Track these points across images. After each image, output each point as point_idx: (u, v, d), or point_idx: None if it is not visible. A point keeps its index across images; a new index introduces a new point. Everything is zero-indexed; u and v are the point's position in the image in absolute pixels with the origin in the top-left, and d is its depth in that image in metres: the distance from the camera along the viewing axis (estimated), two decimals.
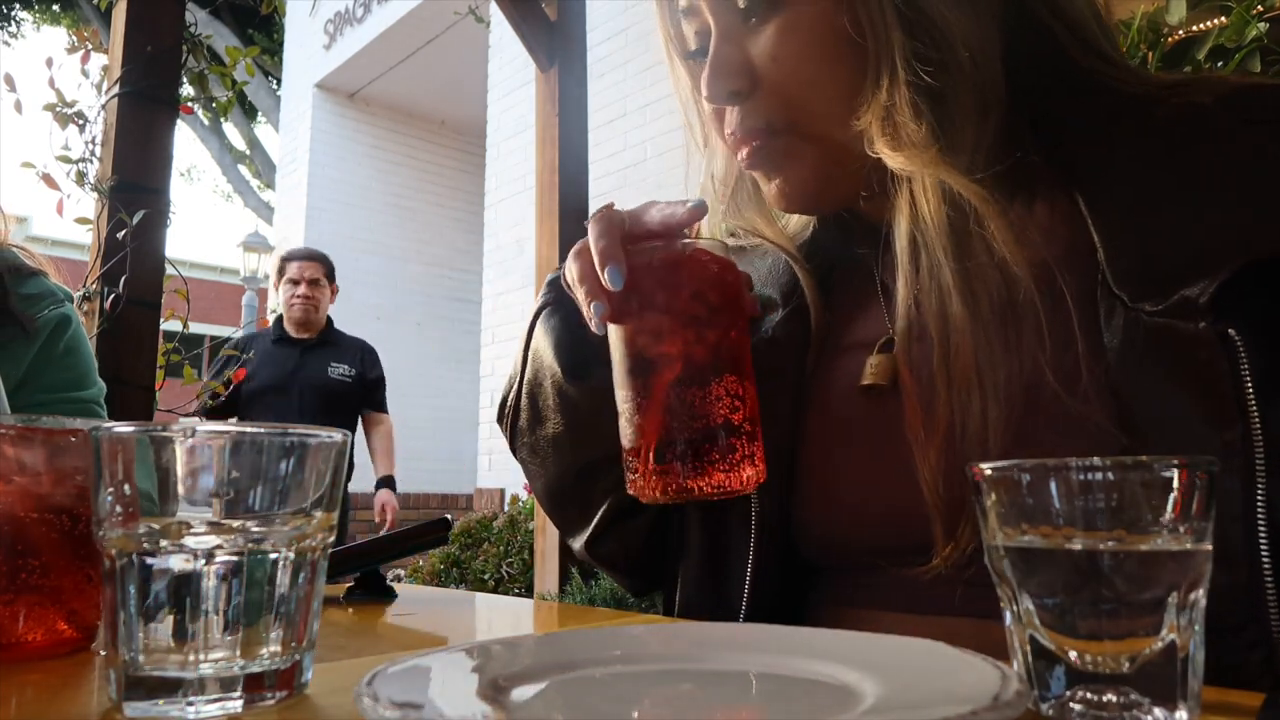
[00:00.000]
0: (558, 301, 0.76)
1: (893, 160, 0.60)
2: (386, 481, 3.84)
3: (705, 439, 0.57)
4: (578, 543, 0.79)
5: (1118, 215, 0.57)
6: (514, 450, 0.81)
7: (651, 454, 0.58)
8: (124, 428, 0.40)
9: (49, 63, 2.36)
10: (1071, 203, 0.60)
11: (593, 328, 0.61)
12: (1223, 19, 1.60)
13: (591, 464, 0.73)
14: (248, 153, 10.95)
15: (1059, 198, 0.62)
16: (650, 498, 0.60)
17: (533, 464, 0.78)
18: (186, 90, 2.65)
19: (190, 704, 0.38)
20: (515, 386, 0.79)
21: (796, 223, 0.80)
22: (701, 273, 0.60)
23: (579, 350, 0.73)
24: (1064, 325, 0.57)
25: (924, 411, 0.59)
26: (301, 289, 3.66)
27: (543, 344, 0.75)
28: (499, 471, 5.61)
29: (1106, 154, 0.61)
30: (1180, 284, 0.52)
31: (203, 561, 0.39)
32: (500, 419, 0.82)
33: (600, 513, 0.76)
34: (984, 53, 0.61)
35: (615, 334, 0.61)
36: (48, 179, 2.09)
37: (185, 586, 0.39)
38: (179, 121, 2.00)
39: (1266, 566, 0.49)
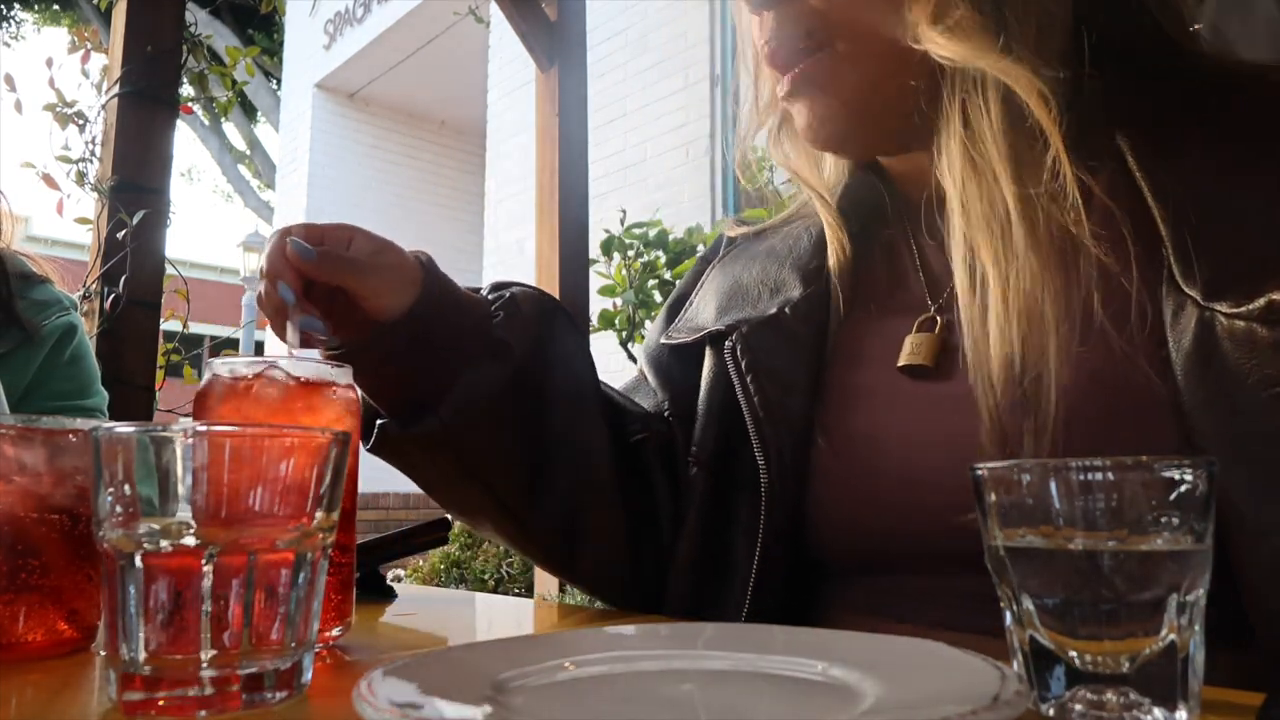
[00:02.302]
0: None
1: (945, 49, 0.56)
2: None
3: None
4: (558, 572, 0.78)
5: (1187, 207, 0.53)
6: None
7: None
8: (124, 428, 0.40)
9: (49, 63, 2.36)
10: (1129, 185, 0.57)
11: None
12: None
13: (491, 494, 0.70)
14: (248, 153, 10.94)
15: (1116, 177, 0.57)
16: None
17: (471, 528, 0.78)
18: (186, 90, 2.65)
19: (190, 704, 0.38)
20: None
21: (831, 176, 0.77)
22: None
23: (367, 419, 0.69)
24: (1131, 283, 0.53)
25: (985, 354, 0.55)
26: None
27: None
28: None
29: (1173, 138, 0.57)
30: (1268, 287, 0.49)
31: (203, 561, 0.39)
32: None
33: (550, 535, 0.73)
34: None
35: None
36: (48, 179, 2.10)
37: (185, 586, 0.39)
38: (179, 121, 2.00)
39: None
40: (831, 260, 0.71)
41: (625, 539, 0.74)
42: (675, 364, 0.79)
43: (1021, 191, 0.55)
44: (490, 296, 0.72)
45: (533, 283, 0.82)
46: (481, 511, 0.72)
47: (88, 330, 1.73)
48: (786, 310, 0.70)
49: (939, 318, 0.64)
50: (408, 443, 0.67)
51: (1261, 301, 0.49)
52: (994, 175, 0.56)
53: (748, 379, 0.67)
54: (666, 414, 0.77)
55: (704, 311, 0.77)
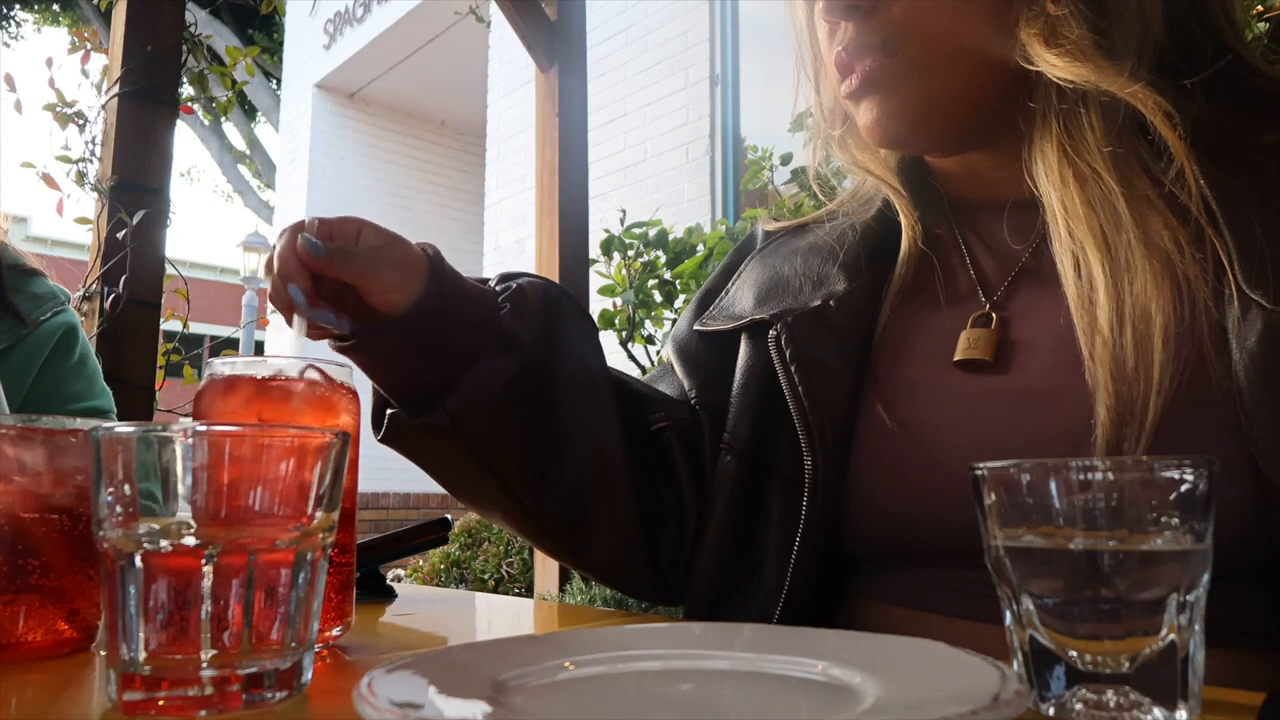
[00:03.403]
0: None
1: (1061, 70, 0.57)
2: None
3: None
4: (569, 561, 0.77)
5: (1250, 213, 0.55)
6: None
7: None
8: (124, 428, 0.40)
9: (49, 63, 2.36)
10: (1186, 186, 0.57)
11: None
12: None
13: (505, 483, 0.71)
14: (248, 153, 10.95)
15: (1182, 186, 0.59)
16: None
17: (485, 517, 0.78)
18: (186, 90, 2.65)
19: (190, 704, 0.38)
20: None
21: (867, 189, 0.78)
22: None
23: (378, 409, 0.71)
24: (1212, 299, 0.55)
25: (1102, 357, 0.56)
26: None
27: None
28: None
29: (1232, 144, 0.58)
30: None
31: (203, 561, 0.39)
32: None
33: (564, 521, 0.73)
34: None
35: None
36: (48, 179, 2.09)
37: (185, 586, 0.39)
38: (179, 121, 2.00)
39: None
40: (904, 247, 0.71)
41: (638, 529, 0.74)
42: (705, 352, 0.79)
43: (1133, 198, 0.56)
44: (497, 288, 0.73)
45: None
46: (492, 501, 0.73)
47: (87, 330, 1.73)
48: (831, 303, 0.70)
49: (994, 314, 0.65)
50: (418, 432, 0.67)
51: None
52: (1101, 183, 0.57)
53: (792, 368, 0.67)
54: (693, 401, 0.77)
55: (741, 301, 0.77)
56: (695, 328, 0.79)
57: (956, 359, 0.63)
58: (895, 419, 0.65)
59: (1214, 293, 0.55)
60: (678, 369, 0.80)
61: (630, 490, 0.73)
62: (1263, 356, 0.52)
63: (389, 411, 0.69)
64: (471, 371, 0.67)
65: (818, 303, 0.70)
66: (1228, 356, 0.53)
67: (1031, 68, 0.59)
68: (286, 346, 0.63)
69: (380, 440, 0.69)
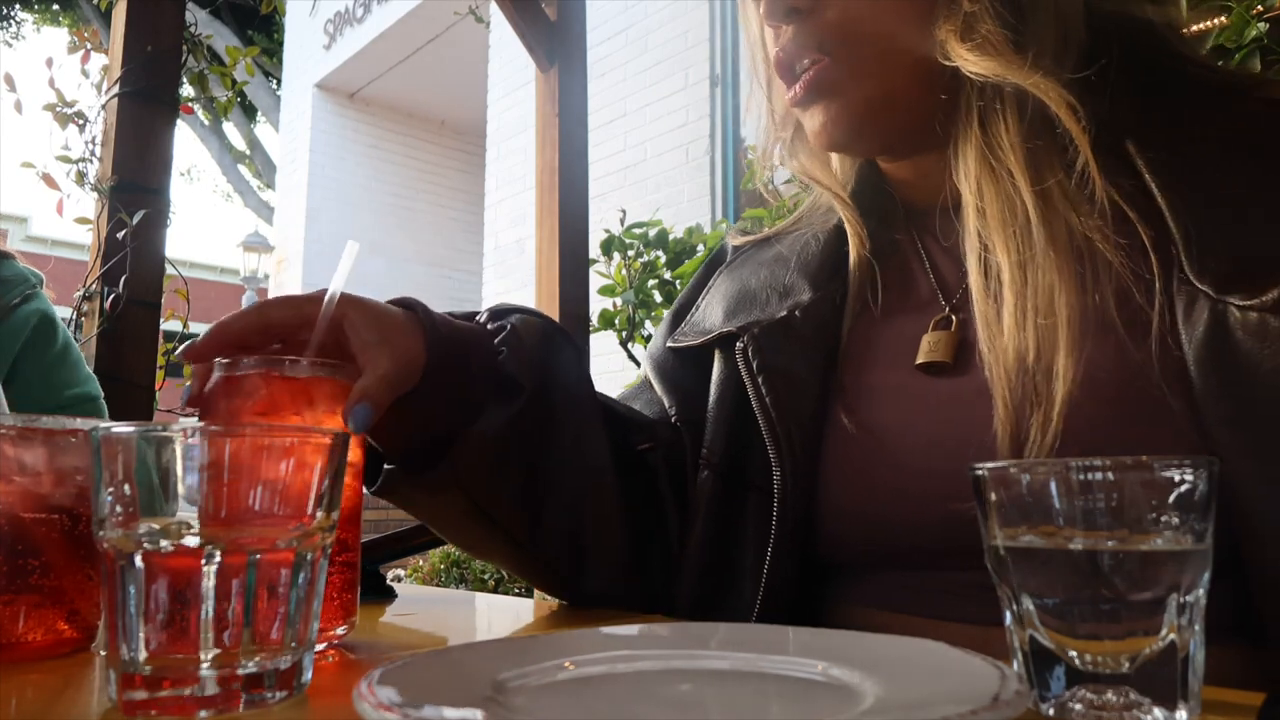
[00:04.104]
0: None
1: (975, 65, 0.58)
2: None
3: None
4: (565, 595, 0.77)
5: (1199, 206, 0.56)
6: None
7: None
8: (124, 428, 0.40)
9: (49, 63, 2.36)
10: (1140, 187, 0.58)
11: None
12: (1223, 19, 1.60)
13: (495, 528, 0.70)
14: (248, 153, 10.94)
15: (1126, 181, 0.60)
16: None
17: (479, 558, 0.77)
18: (186, 90, 2.65)
19: (190, 704, 0.38)
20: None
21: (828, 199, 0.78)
22: (252, 392, 0.55)
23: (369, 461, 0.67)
24: (1149, 289, 0.56)
25: (999, 349, 0.58)
26: None
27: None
28: None
29: (1180, 140, 0.60)
30: (1279, 279, 0.51)
31: (203, 561, 0.39)
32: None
33: (560, 559, 0.73)
34: None
35: None
36: (48, 179, 2.09)
37: (185, 586, 0.39)
38: (179, 121, 2.00)
39: None
40: (852, 257, 0.72)
41: (630, 553, 0.74)
42: (682, 369, 0.79)
43: (1041, 193, 0.57)
44: (490, 328, 0.72)
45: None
46: (488, 544, 0.72)
47: (87, 331, 1.73)
48: (796, 313, 0.71)
49: (954, 316, 0.65)
50: (416, 488, 0.66)
51: (1274, 293, 0.51)
52: (1012, 179, 0.58)
53: (759, 379, 0.68)
54: (674, 420, 0.77)
55: (711, 316, 0.78)
56: (669, 344, 0.79)
57: (918, 362, 0.64)
58: (860, 424, 0.66)
59: (1161, 281, 0.56)
60: (657, 387, 0.80)
61: (622, 516, 0.73)
62: (1208, 346, 0.53)
63: (386, 467, 0.67)
64: (476, 425, 0.65)
65: (783, 313, 0.71)
66: (1180, 349, 0.54)
67: (949, 64, 0.60)
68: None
69: (374, 493, 0.67)
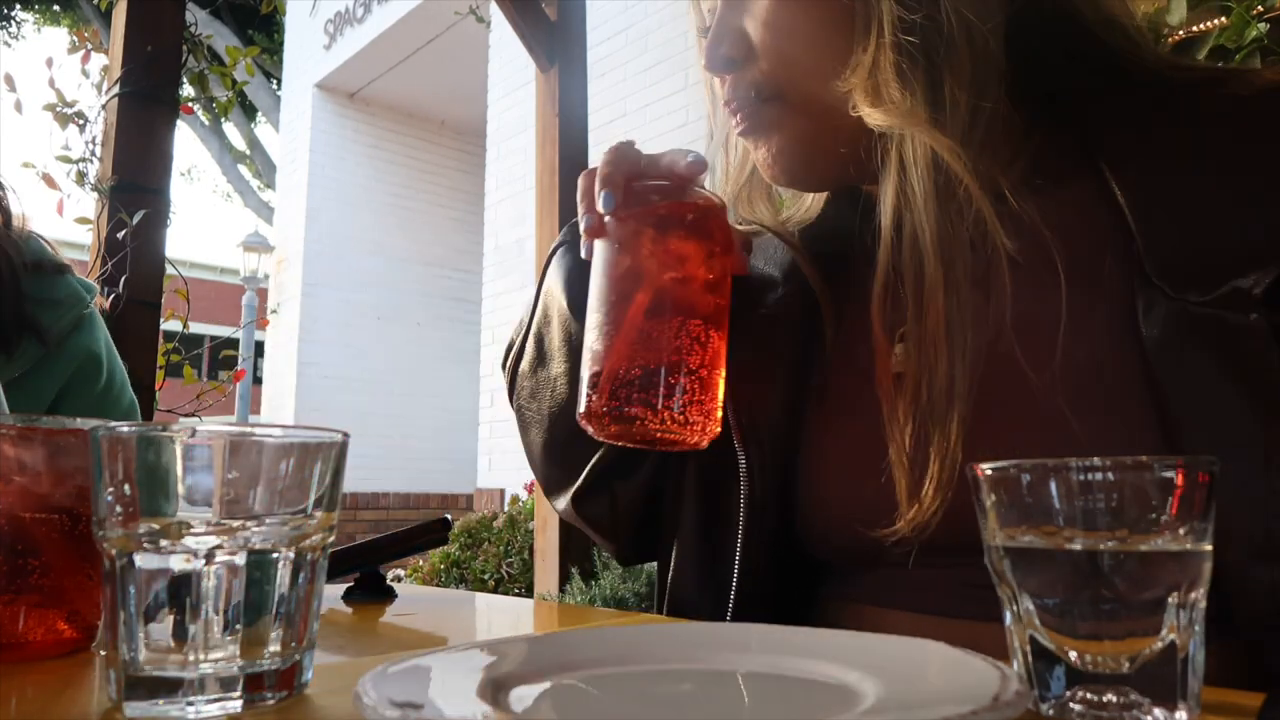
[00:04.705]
0: (574, 241, 0.77)
1: (871, 118, 0.60)
2: None
3: (660, 375, 0.58)
4: (563, 500, 0.80)
5: (1157, 204, 0.57)
6: (512, 397, 0.82)
7: (603, 382, 0.59)
8: (124, 428, 0.40)
9: (49, 63, 2.36)
10: (1105, 191, 0.60)
11: (581, 250, 0.65)
12: (1223, 19, 1.60)
13: None
14: (248, 153, 10.94)
15: (1090, 185, 0.61)
16: (596, 429, 0.60)
17: (530, 409, 0.79)
18: (186, 90, 2.65)
19: (190, 704, 0.38)
20: (524, 328, 0.81)
21: (811, 206, 0.80)
22: (690, 213, 0.62)
23: (587, 287, 0.74)
24: (1059, 309, 0.57)
25: (893, 370, 0.60)
26: None
27: (554, 281, 0.77)
28: (499, 471, 5.61)
29: (1143, 141, 0.61)
30: (1231, 275, 0.52)
31: (203, 561, 0.39)
32: (504, 363, 0.84)
33: (589, 467, 0.77)
34: (980, 20, 0.60)
35: (598, 257, 0.64)
36: (48, 179, 2.09)
37: (185, 586, 0.39)
38: (179, 121, 2.00)
39: None
40: (815, 288, 0.74)
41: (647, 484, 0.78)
42: None
43: (942, 231, 0.59)
44: None
45: (533, 282, 0.84)
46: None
47: None
48: (764, 310, 0.73)
49: (891, 313, 0.66)
50: None
51: (1226, 289, 0.52)
52: (918, 215, 0.60)
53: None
54: None
55: None
56: None
57: (896, 371, 0.65)
58: (831, 433, 0.68)
59: (1122, 285, 0.57)
60: None
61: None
62: (1166, 344, 0.54)
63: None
64: None
65: (763, 311, 0.73)
66: (1142, 349, 0.55)
67: (854, 114, 0.62)
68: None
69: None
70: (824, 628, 0.64)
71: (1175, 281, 0.54)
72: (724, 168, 0.79)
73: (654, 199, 0.63)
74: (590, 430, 0.61)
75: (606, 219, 0.64)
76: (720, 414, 0.62)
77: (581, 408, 0.61)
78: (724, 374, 0.63)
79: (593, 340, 0.61)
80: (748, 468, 0.68)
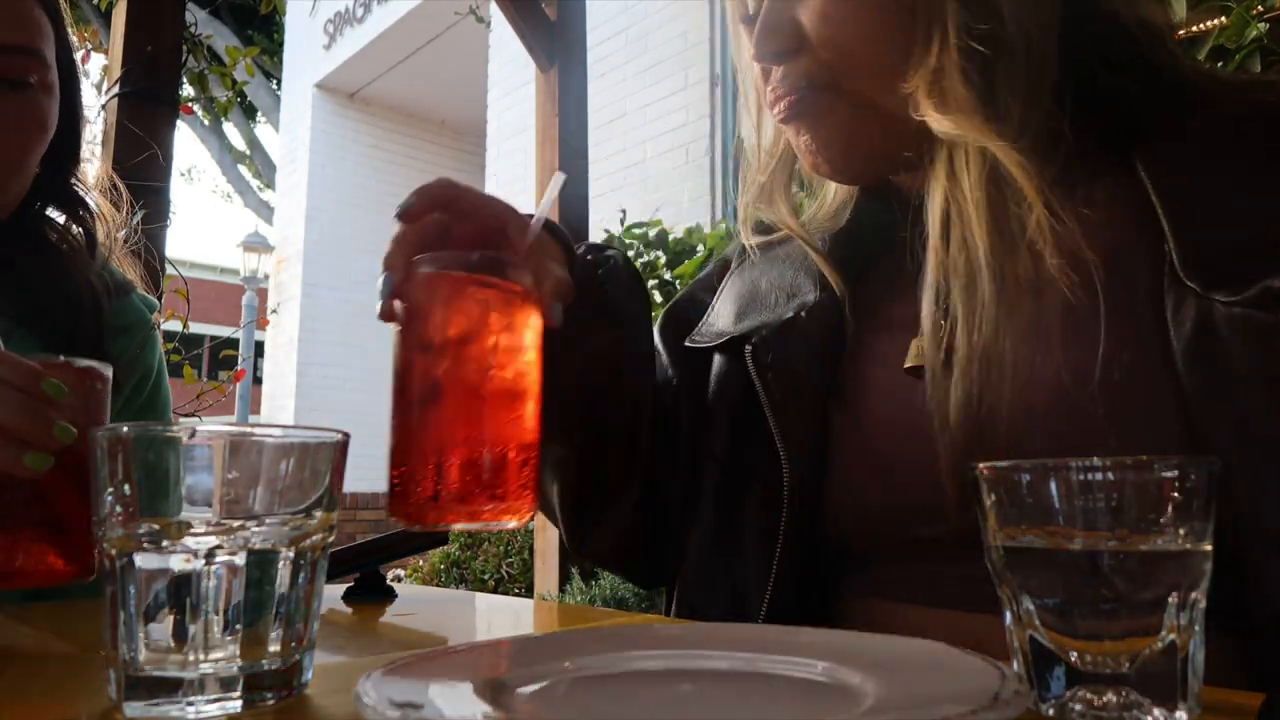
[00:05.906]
0: None
1: (938, 123, 0.60)
2: None
3: (460, 464, 0.54)
4: (576, 547, 0.81)
5: (1189, 205, 0.57)
6: None
7: (399, 476, 0.55)
8: (124, 428, 0.40)
9: None
10: (1137, 190, 0.60)
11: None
12: (1223, 19, 1.60)
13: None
14: (248, 153, 10.95)
15: (1123, 185, 0.61)
16: (405, 523, 0.55)
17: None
18: (186, 90, 2.65)
19: (190, 704, 0.38)
20: None
21: (836, 202, 0.80)
22: (470, 292, 0.56)
23: None
24: (1099, 320, 0.57)
25: (945, 387, 0.59)
26: None
27: None
28: None
29: (1176, 145, 0.61)
30: (1262, 275, 0.52)
31: (203, 561, 0.39)
32: None
33: (559, 511, 0.78)
34: (1037, 29, 0.61)
35: (393, 340, 0.58)
36: None
37: (185, 586, 0.39)
38: (179, 121, 2.00)
39: None
40: (836, 288, 0.74)
41: (639, 506, 0.78)
42: (691, 351, 0.82)
43: (993, 243, 0.59)
44: (590, 259, 0.76)
45: None
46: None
47: None
48: (802, 314, 0.73)
49: (942, 322, 0.66)
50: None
51: (1257, 289, 0.52)
52: (970, 225, 0.60)
53: (768, 376, 0.70)
54: (674, 386, 0.81)
55: (723, 318, 0.81)
56: (686, 344, 0.82)
57: (906, 366, 0.66)
58: (861, 420, 0.68)
59: (1155, 283, 0.57)
60: (664, 354, 0.84)
61: (645, 461, 0.77)
62: (1195, 343, 0.54)
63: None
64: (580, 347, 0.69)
65: (790, 314, 0.73)
66: (1164, 345, 0.55)
67: (916, 115, 0.62)
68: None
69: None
70: (842, 625, 0.65)
71: (1206, 281, 0.54)
72: (757, 145, 0.79)
73: (427, 277, 0.56)
74: (402, 525, 0.57)
75: (395, 303, 0.57)
76: (533, 481, 0.57)
77: (389, 509, 0.57)
78: (533, 438, 0.57)
79: (392, 431, 0.56)
80: (789, 475, 0.67)
